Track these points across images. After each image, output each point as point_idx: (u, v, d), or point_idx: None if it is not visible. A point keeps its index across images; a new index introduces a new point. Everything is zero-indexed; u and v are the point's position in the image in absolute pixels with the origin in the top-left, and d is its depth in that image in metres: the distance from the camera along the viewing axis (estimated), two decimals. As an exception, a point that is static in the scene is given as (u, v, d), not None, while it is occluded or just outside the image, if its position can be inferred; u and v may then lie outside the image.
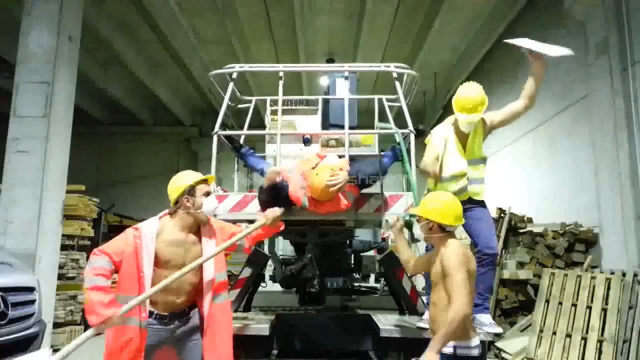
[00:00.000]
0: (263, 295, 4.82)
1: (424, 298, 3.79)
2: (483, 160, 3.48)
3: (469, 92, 3.34)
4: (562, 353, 5.20)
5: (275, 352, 3.89)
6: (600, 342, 4.93)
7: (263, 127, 4.76)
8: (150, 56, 11.02)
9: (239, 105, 4.89)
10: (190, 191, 2.74)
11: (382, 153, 4.11)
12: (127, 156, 15.20)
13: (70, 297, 7.20)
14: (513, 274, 6.40)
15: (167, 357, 2.72)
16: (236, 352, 2.82)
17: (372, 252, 6.98)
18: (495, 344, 5.94)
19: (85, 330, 2.49)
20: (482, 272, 3.19)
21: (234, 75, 4.19)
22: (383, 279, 5.99)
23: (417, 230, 2.84)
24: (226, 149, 4.43)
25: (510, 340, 5.93)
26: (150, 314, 2.64)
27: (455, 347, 2.44)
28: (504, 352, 5.81)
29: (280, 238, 5.01)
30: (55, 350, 2.49)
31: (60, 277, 6.70)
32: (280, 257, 5.21)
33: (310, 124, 4.52)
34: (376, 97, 4.83)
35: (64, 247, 6.85)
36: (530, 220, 7.28)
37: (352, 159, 3.74)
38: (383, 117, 4.51)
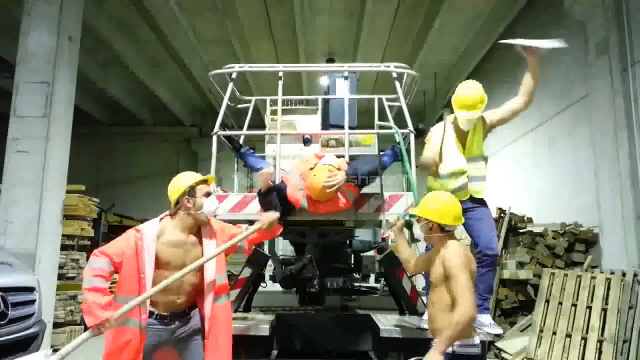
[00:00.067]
0: (263, 295, 4.82)
1: (424, 298, 3.79)
2: (483, 158, 3.48)
3: (469, 90, 3.36)
4: (562, 353, 5.20)
5: (275, 352, 3.89)
6: (600, 342, 4.93)
7: (263, 127, 4.76)
8: (150, 56, 11.02)
9: (239, 105, 4.89)
10: (191, 192, 2.74)
11: (382, 153, 4.11)
12: (127, 156, 15.20)
13: (70, 297, 7.21)
14: (513, 274, 6.40)
15: (168, 357, 2.72)
16: (236, 352, 2.82)
17: (372, 252, 6.98)
18: (495, 344, 5.94)
19: (85, 330, 2.49)
20: (483, 272, 3.20)
21: (234, 75, 4.19)
22: (383, 279, 5.99)
23: (417, 230, 2.83)
24: (226, 149, 4.43)
25: (510, 340, 5.93)
26: (151, 314, 2.64)
27: (455, 346, 2.45)
28: (504, 352, 5.80)
29: (280, 238, 5.00)
30: (55, 351, 2.48)
31: (60, 277, 6.71)
32: (280, 257, 5.21)
33: (310, 124, 4.51)
34: (376, 97, 4.83)
35: (64, 247, 6.86)
36: (530, 220, 7.28)
37: (352, 158, 3.74)
38: (383, 117, 4.51)
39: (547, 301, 5.77)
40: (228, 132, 4.23)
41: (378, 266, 5.98)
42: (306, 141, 4.35)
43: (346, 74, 4.20)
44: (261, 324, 3.47)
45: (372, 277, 8.38)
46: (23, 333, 3.62)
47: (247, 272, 4.09)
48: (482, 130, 3.49)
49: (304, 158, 3.80)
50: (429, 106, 13.21)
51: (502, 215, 7.04)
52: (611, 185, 5.70)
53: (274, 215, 3.00)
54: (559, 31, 7.39)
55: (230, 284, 4.05)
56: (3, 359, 3.31)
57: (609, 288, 5.14)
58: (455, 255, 2.49)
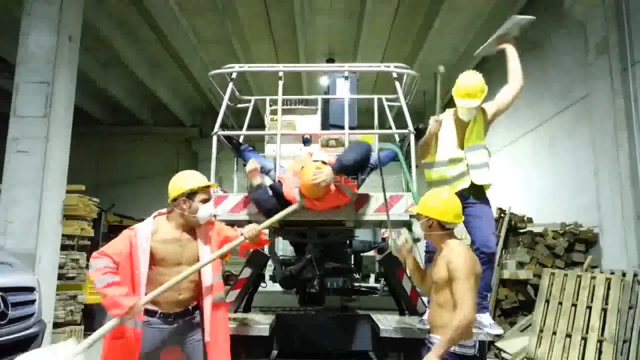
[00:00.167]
0: (263, 296, 4.81)
1: (424, 298, 3.78)
2: (484, 147, 3.48)
3: (468, 80, 3.40)
4: (562, 353, 5.20)
5: (275, 352, 3.88)
6: (600, 342, 4.93)
7: (263, 127, 4.76)
8: (150, 56, 11.01)
9: (239, 105, 4.89)
10: (190, 195, 2.75)
11: (381, 153, 4.11)
12: (127, 156, 15.20)
13: (70, 297, 7.20)
14: (513, 274, 6.40)
15: (171, 355, 2.73)
16: (236, 352, 2.82)
17: (372, 252, 6.98)
18: (495, 344, 5.94)
19: (85, 331, 2.51)
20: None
21: (234, 75, 4.19)
22: (383, 279, 5.98)
23: (417, 229, 2.82)
24: (226, 149, 4.43)
25: (510, 340, 5.93)
26: (154, 313, 2.66)
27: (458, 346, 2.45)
28: (504, 352, 5.81)
29: (280, 238, 5.00)
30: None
31: (60, 277, 6.70)
32: (280, 257, 5.20)
33: (310, 124, 4.51)
34: (376, 96, 4.83)
35: (64, 247, 6.85)
36: (530, 220, 7.28)
37: None
38: (383, 117, 4.51)
39: (547, 301, 5.77)
40: (228, 132, 4.22)
41: (378, 266, 5.98)
42: (306, 141, 4.35)
43: (346, 74, 4.19)
44: (261, 324, 3.47)
45: (372, 277, 8.38)
46: (23, 333, 3.63)
47: (247, 272, 4.09)
48: (483, 121, 3.50)
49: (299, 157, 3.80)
50: (429, 106, 13.19)
51: (502, 215, 7.04)
52: (611, 185, 5.70)
53: (256, 227, 2.92)
54: (559, 31, 7.40)
55: (230, 284, 4.07)
56: (3, 359, 3.31)
57: (609, 288, 5.14)
58: (461, 257, 2.48)
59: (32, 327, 3.78)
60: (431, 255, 3.28)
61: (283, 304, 4.75)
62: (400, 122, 3.95)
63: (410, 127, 3.84)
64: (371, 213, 3.59)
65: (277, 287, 5.26)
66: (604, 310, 5.06)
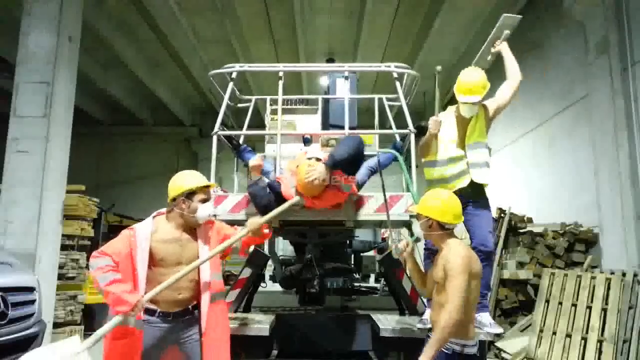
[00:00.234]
0: (263, 295, 4.81)
1: (424, 298, 3.78)
2: (485, 145, 3.46)
3: (470, 76, 3.37)
4: (562, 353, 5.20)
5: (275, 352, 3.89)
6: (600, 342, 4.93)
7: (263, 127, 4.76)
8: (150, 56, 11.01)
9: (239, 105, 4.89)
10: (189, 194, 2.75)
11: (381, 155, 4.11)
12: (127, 156, 15.20)
13: (70, 297, 7.20)
14: (513, 274, 6.40)
15: (170, 355, 2.73)
16: (236, 352, 2.81)
17: (372, 252, 6.98)
18: (495, 344, 5.94)
19: (85, 331, 2.51)
20: None
21: (234, 75, 4.19)
22: (383, 279, 5.99)
23: (417, 229, 2.82)
24: (226, 149, 4.43)
25: (510, 340, 5.93)
26: (153, 312, 2.66)
27: (455, 345, 2.45)
28: (504, 352, 5.81)
29: (280, 238, 5.01)
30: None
31: (60, 277, 6.70)
32: (280, 257, 5.21)
33: (310, 123, 4.52)
34: (376, 96, 4.83)
35: (64, 247, 6.85)
36: (530, 220, 7.28)
37: None
38: (383, 117, 4.52)
39: (547, 301, 5.77)
40: (228, 132, 4.23)
41: (378, 266, 5.98)
42: (306, 141, 4.36)
43: (346, 73, 4.20)
44: (261, 324, 3.47)
45: (372, 277, 8.39)
46: (23, 333, 3.62)
47: (247, 272, 4.08)
48: (484, 118, 3.46)
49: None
50: (429, 106, 13.19)
51: (502, 215, 7.04)
52: (611, 185, 5.70)
53: (260, 220, 2.94)
54: (559, 31, 7.40)
55: (230, 284, 4.07)
56: (3, 359, 3.31)
57: (609, 288, 5.14)
58: (457, 256, 2.48)
59: (32, 327, 3.77)
60: (430, 252, 3.28)
61: (283, 304, 4.75)
62: (401, 122, 3.95)
63: (411, 126, 3.85)
64: (371, 213, 3.60)
65: (277, 287, 5.26)
66: (604, 310, 5.06)
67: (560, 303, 5.58)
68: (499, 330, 3.29)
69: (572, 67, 6.95)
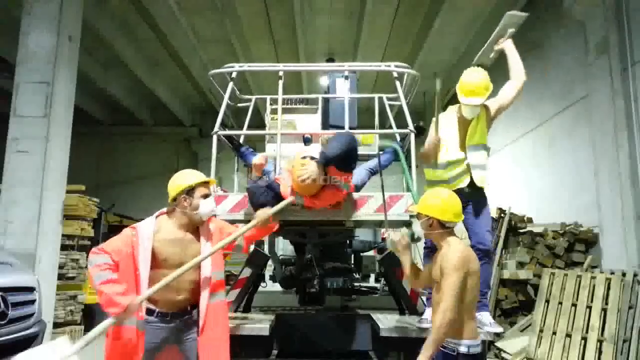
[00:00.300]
0: (263, 295, 4.81)
1: (424, 298, 3.78)
2: (485, 147, 3.45)
3: (472, 77, 3.33)
4: (562, 353, 5.20)
5: (275, 352, 3.89)
6: (600, 342, 4.93)
7: (263, 126, 4.76)
8: (150, 55, 11.01)
9: (239, 105, 4.89)
10: (189, 191, 2.74)
11: (382, 152, 4.10)
12: (127, 156, 15.19)
13: (70, 297, 7.20)
14: (513, 274, 6.40)
15: (169, 354, 2.72)
16: (236, 352, 2.81)
17: (372, 252, 6.98)
18: (495, 344, 5.94)
19: (85, 331, 2.50)
20: None
21: (234, 75, 4.19)
22: (383, 279, 5.99)
23: (417, 228, 2.82)
24: (226, 148, 4.43)
25: (510, 340, 5.93)
26: (152, 312, 2.65)
27: (460, 346, 2.45)
28: (504, 352, 5.81)
29: (280, 238, 5.01)
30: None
31: (60, 277, 6.70)
32: (280, 257, 5.21)
33: (311, 123, 4.52)
34: (376, 95, 4.83)
35: (64, 247, 6.85)
36: (530, 220, 7.28)
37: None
38: (383, 117, 4.51)
39: (547, 301, 5.77)
40: (228, 132, 4.22)
41: (378, 266, 5.98)
42: (306, 141, 4.36)
43: (346, 73, 4.20)
44: (261, 324, 3.47)
45: (372, 277, 8.39)
46: (23, 333, 3.62)
47: (247, 272, 4.09)
48: (486, 119, 3.44)
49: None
50: (429, 106, 13.19)
51: (502, 215, 7.04)
52: (611, 186, 5.70)
53: (269, 211, 3.00)
54: (559, 31, 7.40)
55: (230, 283, 4.07)
56: (3, 359, 3.31)
57: (609, 288, 5.14)
58: (455, 254, 2.48)
59: (32, 327, 3.77)
60: (430, 250, 3.28)
61: (283, 304, 4.76)
62: (401, 122, 3.94)
63: (411, 126, 3.85)
64: (371, 213, 3.59)
65: (277, 287, 5.26)
66: (604, 310, 5.06)
67: (560, 303, 5.58)
68: (499, 329, 3.29)
69: (572, 67, 6.95)
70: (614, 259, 5.63)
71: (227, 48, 9.98)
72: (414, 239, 3.13)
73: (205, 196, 2.77)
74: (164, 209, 2.83)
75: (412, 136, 3.84)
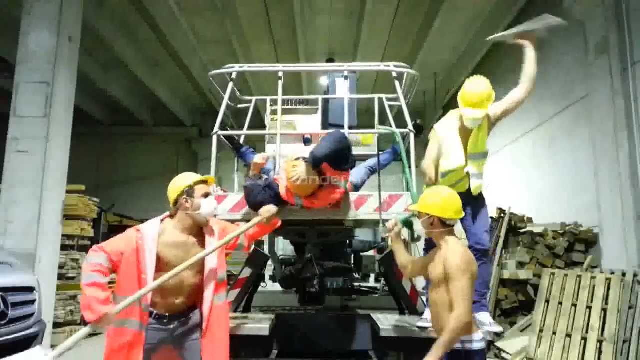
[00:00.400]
0: (263, 295, 4.81)
1: (424, 298, 3.79)
2: (485, 155, 3.43)
3: (476, 87, 3.25)
4: (562, 353, 5.20)
5: (275, 352, 3.89)
6: (600, 342, 4.93)
7: (263, 127, 4.76)
8: (150, 55, 11.02)
9: (239, 105, 4.89)
10: (189, 192, 2.73)
11: (381, 152, 4.10)
12: (127, 156, 15.21)
13: (70, 297, 7.21)
14: (513, 274, 6.40)
15: (167, 356, 2.72)
16: (236, 352, 2.81)
17: (372, 252, 6.98)
18: (495, 344, 5.93)
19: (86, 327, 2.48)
20: None
21: (234, 75, 4.19)
22: (383, 279, 5.99)
23: (418, 226, 2.82)
24: (226, 149, 4.43)
25: (510, 340, 5.93)
26: (150, 314, 2.64)
27: (460, 343, 2.46)
28: (504, 352, 5.80)
29: (280, 238, 5.01)
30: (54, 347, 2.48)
31: (60, 277, 6.71)
32: (280, 257, 5.21)
33: (311, 123, 4.51)
34: (376, 96, 4.83)
35: (64, 247, 6.86)
36: (530, 220, 7.28)
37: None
38: (383, 117, 4.51)
39: (547, 301, 5.77)
40: (228, 132, 4.22)
41: (378, 266, 5.98)
42: (306, 141, 4.35)
43: (346, 73, 4.19)
44: (261, 324, 3.47)
45: (372, 277, 8.39)
46: (23, 333, 3.62)
47: (247, 272, 4.09)
48: (488, 125, 3.40)
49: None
50: (429, 106, 13.21)
51: (502, 215, 7.04)
52: (611, 186, 5.70)
53: (273, 208, 3.01)
54: (558, 31, 7.39)
55: (230, 283, 4.07)
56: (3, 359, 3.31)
57: (609, 288, 5.14)
58: (457, 255, 2.49)
59: (32, 327, 3.77)
60: (430, 245, 3.27)
61: (283, 304, 4.75)
62: (401, 122, 3.94)
63: (410, 126, 3.84)
64: (371, 212, 3.59)
65: (277, 287, 5.26)
66: (604, 310, 5.06)
67: (560, 303, 5.58)
68: (499, 329, 3.29)
69: (572, 67, 6.95)
70: (614, 259, 5.63)
71: (227, 48, 9.98)
72: (414, 238, 3.13)
73: (206, 195, 2.76)
74: (168, 212, 2.81)
75: (412, 136, 3.84)
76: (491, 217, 6.81)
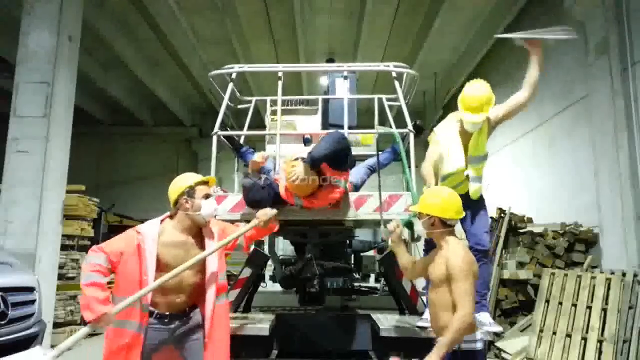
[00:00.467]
0: (263, 295, 4.82)
1: (424, 298, 3.79)
2: (484, 157, 3.43)
3: (475, 91, 3.25)
4: (562, 353, 5.20)
5: (275, 352, 3.89)
6: (600, 342, 4.93)
7: (263, 127, 4.76)
8: (150, 55, 11.01)
9: (239, 106, 4.89)
10: (190, 192, 2.73)
11: (381, 152, 4.10)
12: (127, 156, 15.20)
13: (70, 297, 7.21)
14: (513, 274, 6.40)
15: (167, 356, 2.72)
16: (236, 352, 2.81)
17: (372, 252, 6.98)
18: (495, 344, 5.94)
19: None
20: None
21: (234, 76, 4.19)
22: (383, 279, 5.99)
23: (418, 227, 2.82)
24: (226, 149, 4.43)
25: (510, 340, 5.93)
26: (151, 313, 2.63)
27: (461, 343, 2.47)
28: (504, 352, 5.81)
29: (280, 238, 5.01)
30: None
31: (60, 277, 6.71)
32: (280, 257, 5.21)
33: (310, 124, 4.52)
34: (376, 96, 4.83)
35: (64, 247, 6.86)
36: (530, 220, 7.28)
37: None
38: (383, 117, 4.51)
39: (547, 301, 5.77)
40: (228, 132, 4.23)
41: (378, 266, 5.97)
42: (306, 141, 4.36)
43: (346, 73, 4.20)
44: (261, 324, 3.47)
45: (372, 277, 8.39)
46: (23, 333, 3.62)
47: (247, 272, 4.09)
48: (488, 128, 3.39)
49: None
50: (429, 106, 13.21)
51: (502, 215, 7.04)
52: (611, 186, 5.70)
53: (270, 211, 2.99)
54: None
55: (230, 283, 4.07)
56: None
57: (609, 288, 5.14)
58: (458, 257, 2.49)
59: (32, 327, 3.77)
60: (429, 246, 3.27)
61: (283, 304, 4.76)
62: (401, 122, 3.94)
63: (410, 126, 3.85)
64: (371, 212, 3.59)
65: (277, 287, 5.26)
66: (604, 310, 5.06)
67: (560, 303, 5.58)
68: (499, 329, 3.29)
69: (572, 67, 6.95)
70: (614, 259, 5.63)
71: (227, 48, 9.98)
72: (414, 238, 3.14)
73: (207, 196, 2.76)
74: (168, 213, 2.81)
75: (412, 136, 3.84)
76: (491, 217, 6.82)
